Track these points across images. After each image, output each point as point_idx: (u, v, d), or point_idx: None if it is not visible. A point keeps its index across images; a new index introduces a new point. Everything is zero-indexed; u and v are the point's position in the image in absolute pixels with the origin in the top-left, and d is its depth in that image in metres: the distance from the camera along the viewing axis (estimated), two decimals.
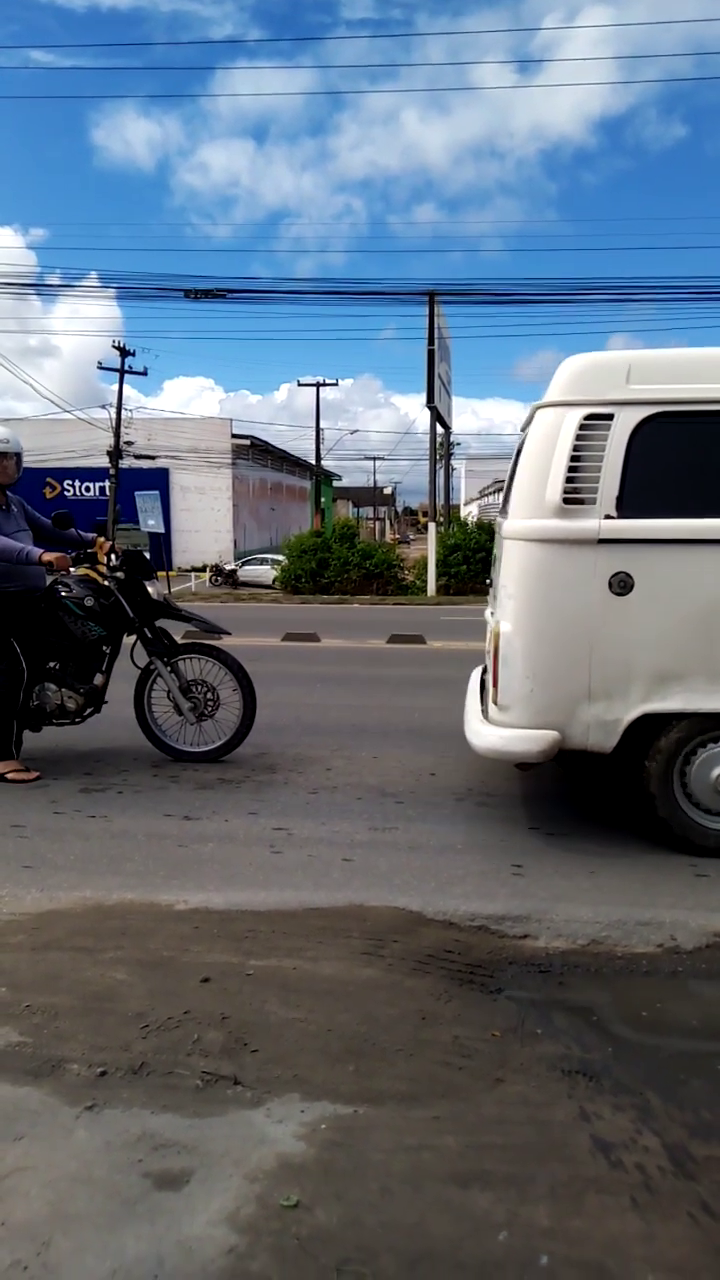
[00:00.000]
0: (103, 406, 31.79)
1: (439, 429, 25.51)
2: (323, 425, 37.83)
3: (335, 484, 60.16)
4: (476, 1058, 2.29)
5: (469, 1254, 1.65)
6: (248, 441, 41.20)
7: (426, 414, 23.86)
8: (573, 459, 3.49)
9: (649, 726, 3.64)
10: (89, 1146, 1.93)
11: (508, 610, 3.69)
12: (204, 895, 3.34)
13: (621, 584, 3.48)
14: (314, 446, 38.54)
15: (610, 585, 3.49)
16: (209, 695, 5.39)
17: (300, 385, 38.37)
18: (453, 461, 45.88)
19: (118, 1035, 2.37)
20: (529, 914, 3.18)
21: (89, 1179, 1.83)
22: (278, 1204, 1.75)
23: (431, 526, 23.00)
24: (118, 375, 27.85)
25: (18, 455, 5.08)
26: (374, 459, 65.72)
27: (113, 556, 5.29)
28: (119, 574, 5.23)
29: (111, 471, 27.44)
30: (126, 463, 29.63)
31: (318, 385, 37.88)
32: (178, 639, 5.59)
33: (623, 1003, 2.62)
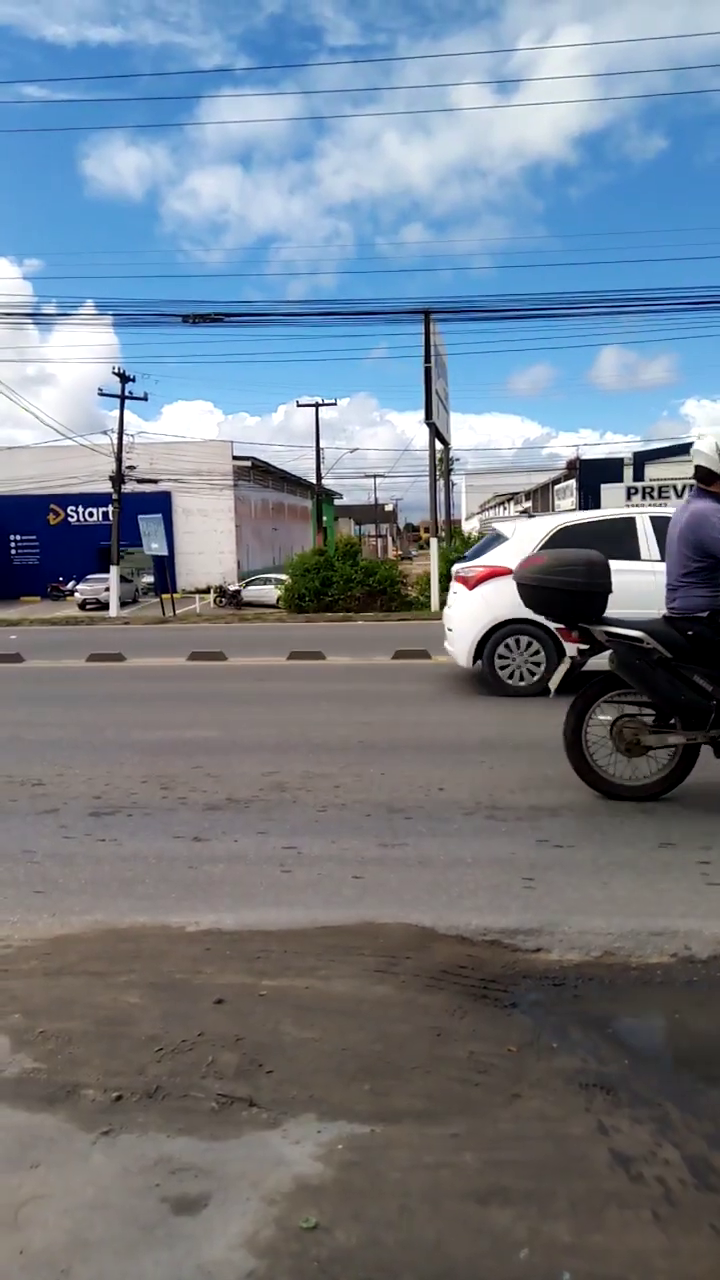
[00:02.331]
0: (104, 432, 32.09)
1: (438, 445, 25.62)
2: (322, 445, 37.99)
3: (336, 503, 60.38)
4: (493, 1073, 2.27)
5: (490, 1272, 1.63)
6: (249, 463, 41.43)
7: (424, 431, 23.97)
8: None
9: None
10: (106, 1172, 1.92)
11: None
12: (215, 916, 3.33)
13: None
14: (314, 466, 38.73)
15: None
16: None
17: (299, 406, 38.63)
18: (453, 477, 46.05)
19: (132, 1059, 2.36)
20: (541, 927, 3.17)
21: (106, 1205, 1.82)
22: (297, 1226, 1.74)
23: (434, 542, 23.04)
24: (118, 401, 28.06)
25: None
26: (374, 476, 65.99)
27: None
28: None
29: (114, 496, 27.58)
30: (129, 487, 29.79)
31: (316, 405, 38.12)
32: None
33: (638, 1014, 2.61)
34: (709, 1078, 2.25)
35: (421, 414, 23.05)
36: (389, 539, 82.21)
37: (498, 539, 8.73)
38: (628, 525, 8.15)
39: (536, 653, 8.18)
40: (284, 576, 26.29)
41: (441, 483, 30.12)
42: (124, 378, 28.25)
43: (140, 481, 32.10)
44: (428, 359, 22.32)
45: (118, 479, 27.54)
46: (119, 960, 2.97)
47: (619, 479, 36.94)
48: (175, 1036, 2.46)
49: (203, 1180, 1.89)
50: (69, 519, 40.79)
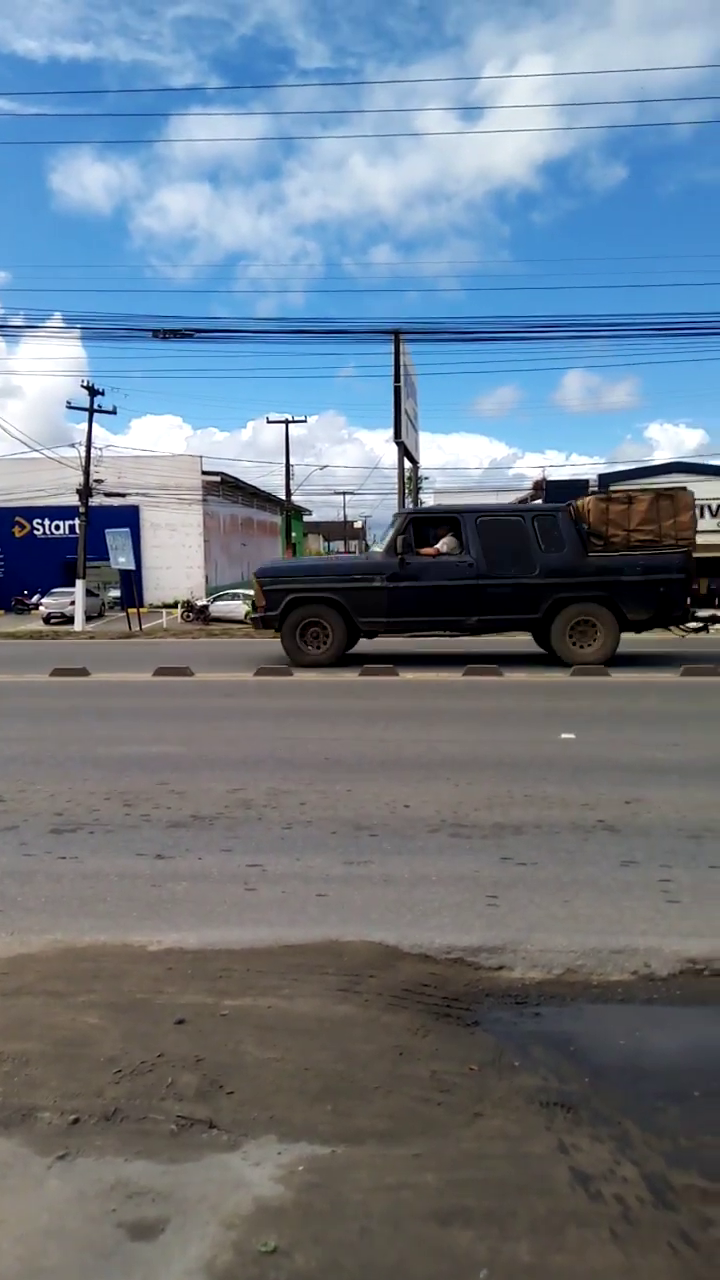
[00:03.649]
0: (72, 445, 31.81)
1: (407, 463, 25.82)
2: (291, 461, 38.07)
3: (306, 519, 60.43)
4: (455, 1092, 2.27)
5: None
6: (218, 478, 41.36)
7: (392, 449, 24.17)
8: None
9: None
10: (61, 1197, 1.89)
11: None
12: (178, 935, 3.30)
13: None
14: (283, 482, 38.78)
15: None
16: None
17: (269, 422, 38.79)
18: (421, 495, 46.32)
19: (90, 1081, 2.32)
20: (504, 944, 3.18)
21: (61, 1231, 1.79)
22: (256, 1250, 1.72)
23: None
24: (87, 415, 27.89)
25: None
26: (343, 493, 66.17)
27: None
28: None
29: (81, 510, 27.35)
30: (97, 500, 29.56)
31: (286, 422, 38.24)
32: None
33: (599, 1032, 2.62)
34: (668, 1095, 2.28)
35: (390, 432, 23.25)
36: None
37: None
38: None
39: None
40: (252, 592, 26.23)
41: (410, 501, 30.33)
42: (93, 391, 28.12)
43: (108, 495, 31.87)
44: (397, 378, 22.55)
45: (85, 492, 27.33)
46: (78, 980, 2.92)
47: None
48: (135, 1058, 2.43)
49: (160, 1204, 1.86)
50: (35, 532, 40.35)
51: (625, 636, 12.45)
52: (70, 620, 26.97)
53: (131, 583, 26.17)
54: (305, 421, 41.74)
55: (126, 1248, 1.74)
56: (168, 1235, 1.77)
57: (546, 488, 39.40)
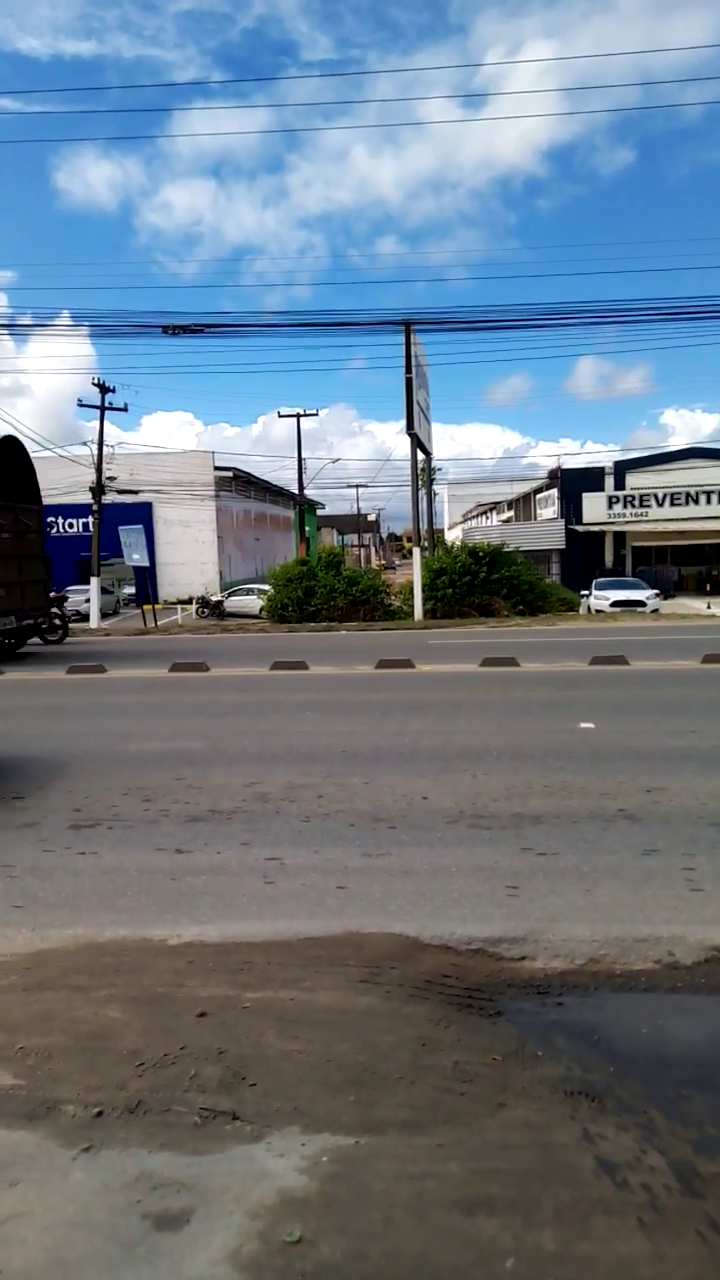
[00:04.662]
0: (84, 443, 31.92)
1: (419, 455, 25.72)
2: (302, 455, 38.03)
3: (319, 513, 60.45)
4: (478, 1082, 2.26)
5: None
6: (230, 474, 41.38)
7: (404, 441, 24.07)
8: None
9: None
10: (86, 1189, 1.89)
11: None
12: (198, 929, 3.30)
13: None
14: (295, 476, 38.76)
15: None
16: None
17: (280, 416, 38.63)
18: (435, 487, 46.24)
19: (113, 1074, 2.33)
20: (525, 935, 3.17)
21: (87, 1223, 1.79)
22: (280, 1240, 1.72)
23: (416, 551, 23.09)
24: (98, 412, 27.96)
25: None
26: (356, 486, 66.06)
27: None
28: None
29: (94, 507, 27.44)
30: (109, 498, 29.64)
31: (298, 416, 38.18)
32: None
33: (623, 1021, 2.60)
34: (693, 1083, 2.26)
35: (402, 424, 23.13)
36: (372, 549, 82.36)
37: None
38: None
39: None
40: (267, 587, 26.25)
41: (424, 492, 30.24)
42: (104, 388, 28.17)
43: (121, 492, 31.94)
44: (409, 370, 22.41)
45: (98, 490, 27.42)
46: (100, 974, 2.93)
47: (600, 488, 37.34)
48: (157, 1050, 2.44)
49: (185, 1195, 1.86)
50: (48, 530, 40.56)
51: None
52: (86, 618, 27.11)
53: (146, 579, 26.24)
54: (316, 415, 41.54)
55: (152, 1238, 1.74)
56: (193, 1226, 1.77)
57: (562, 476, 39.19)
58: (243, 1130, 2.08)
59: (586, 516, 37.50)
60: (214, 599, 31.44)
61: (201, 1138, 2.06)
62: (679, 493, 35.68)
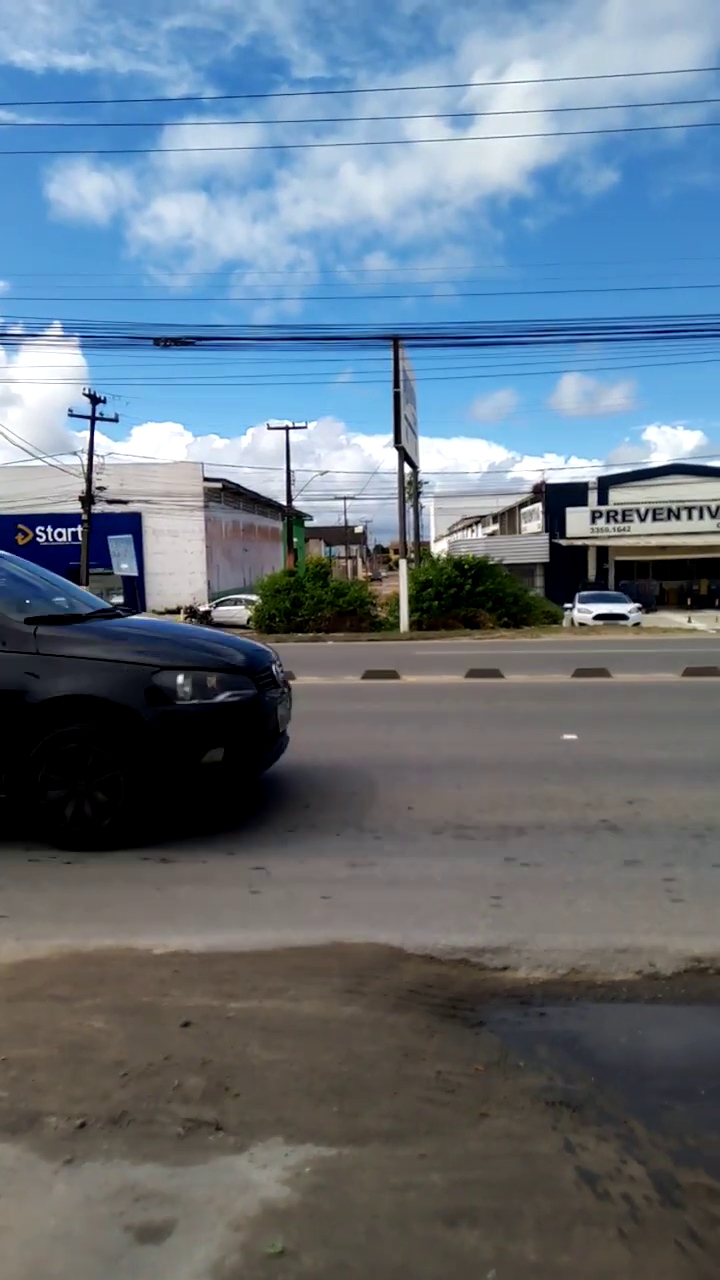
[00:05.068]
0: (74, 453, 31.87)
1: (407, 468, 25.84)
2: (291, 467, 38.10)
3: (307, 524, 60.52)
4: (460, 1093, 2.27)
5: None
6: (219, 485, 41.41)
7: (391, 454, 24.19)
8: None
9: None
10: (68, 1202, 1.89)
11: None
12: (183, 938, 3.30)
13: None
14: (284, 488, 38.82)
15: None
16: None
17: (270, 429, 38.71)
18: (421, 499, 46.41)
19: (96, 1085, 2.32)
20: (508, 945, 3.18)
21: (69, 1236, 1.79)
22: (263, 1252, 1.72)
23: (403, 564, 23.18)
24: (88, 422, 27.96)
25: None
26: (344, 499, 66.24)
27: None
28: None
29: (84, 517, 27.41)
30: (99, 508, 29.62)
31: (287, 429, 38.27)
32: None
33: (604, 1031, 2.62)
34: (674, 1094, 2.27)
35: (389, 438, 23.26)
36: (359, 560, 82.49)
37: None
38: None
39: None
40: (254, 597, 26.25)
41: (410, 505, 30.36)
42: (94, 399, 28.19)
43: (110, 502, 31.91)
44: (397, 384, 22.55)
45: (87, 499, 27.39)
46: (84, 984, 2.92)
47: (584, 503, 37.64)
48: (141, 1061, 2.43)
49: (167, 1207, 1.86)
50: (37, 539, 40.38)
51: None
52: None
53: (134, 589, 26.22)
54: (305, 428, 41.82)
55: (134, 1251, 1.74)
56: (175, 1238, 1.77)
57: (546, 491, 39.46)
58: (226, 1141, 2.08)
59: (570, 531, 37.78)
60: (202, 609, 31.43)
61: (185, 1149, 2.05)
62: (661, 508, 36.03)
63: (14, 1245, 1.77)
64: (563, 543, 37.25)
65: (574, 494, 37.91)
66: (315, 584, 23.78)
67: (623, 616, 24.36)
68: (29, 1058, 2.47)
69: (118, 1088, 2.31)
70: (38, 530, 40.18)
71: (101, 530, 28.91)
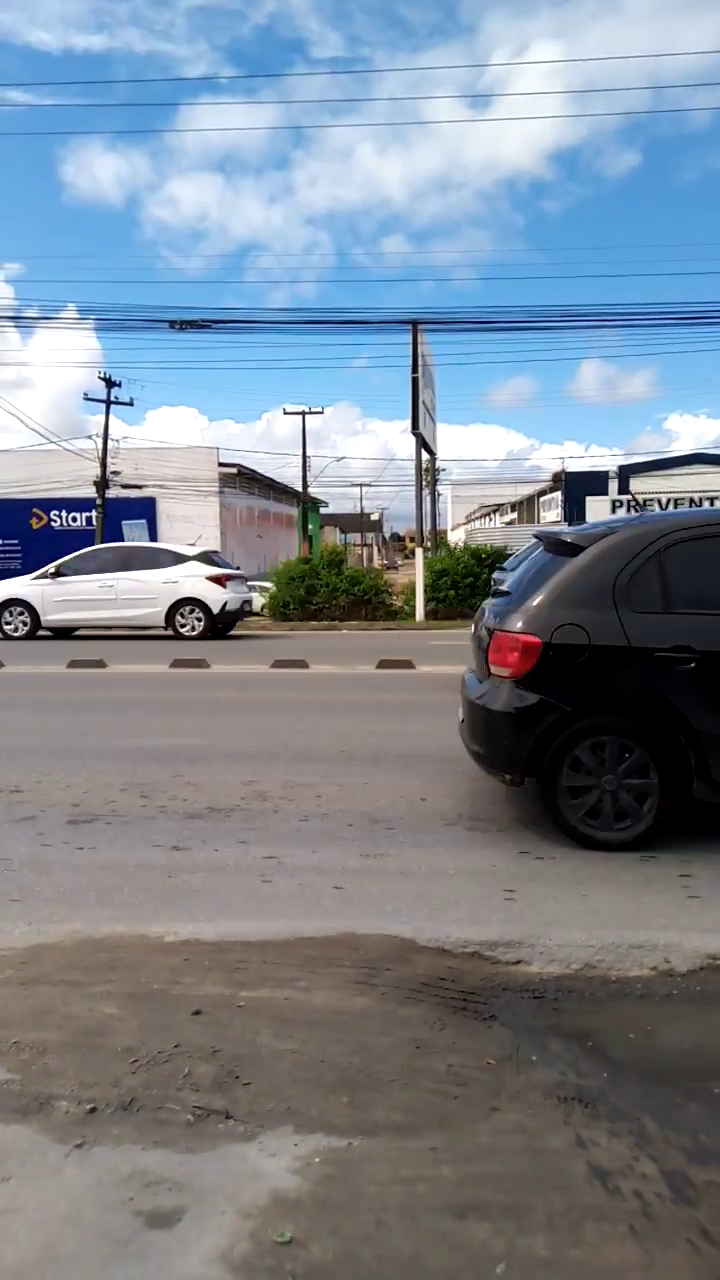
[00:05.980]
0: (89, 437, 31.95)
1: (424, 455, 25.71)
2: (307, 453, 38.02)
3: (322, 511, 60.41)
4: (471, 1086, 2.26)
5: None
6: (234, 470, 41.38)
7: (408, 440, 24.13)
8: None
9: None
10: (79, 1186, 1.90)
11: None
12: (194, 926, 3.31)
13: None
14: (300, 474, 38.75)
15: None
16: None
17: (286, 413, 38.64)
18: (438, 487, 46.20)
19: (107, 1071, 2.33)
20: (522, 939, 3.17)
21: (79, 1219, 1.80)
22: (272, 1240, 1.72)
23: (419, 552, 23.08)
24: (104, 406, 27.98)
25: None
26: (360, 485, 66.10)
27: None
28: None
29: (98, 501, 27.47)
30: (113, 492, 29.68)
31: (303, 413, 38.16)
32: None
33: (617, 1027, 2.60)
34: (687, 1091, 2.26)
35: (406, 423, 23.12)
36: (375, 548, 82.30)
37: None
38: None
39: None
40: (269, 584, 26.25)
41: (427, 493, 30.23)
42: (110, 383, 28.19)
43: (125, 487, 31.97)
44: (415, 369, 22.38)
45: (102, 484, 27.44)
46: (96, 970, 2.93)
47: (604, 492, 37.37)
48: (152, 1048, 2.44)
49: (177, 1194, 1.86)
50: (52, 524, 40.51)
51: None
52: None
53: None
54: (321, 413, 41.66)
55: (143, 1236, 1.74)
56: (184, 1224, 1.77)
57: (566, 479, 39.18)
58: (235, 1129, 2.08)
59: (590, 520, 37.50)
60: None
61: (194, 1136, 2.06)
62: (682, 498, 35.69)
63: (25, 1227, 1.78)
64: None
65: (594, 483, 37.62)
66: (330, 572, 23.71)
67: None
68: (40, 1041, 2.48)
69: (128, 1074, 2.31)
70: (53, 514, 40.30)
71: (116, 515, 28.98)
